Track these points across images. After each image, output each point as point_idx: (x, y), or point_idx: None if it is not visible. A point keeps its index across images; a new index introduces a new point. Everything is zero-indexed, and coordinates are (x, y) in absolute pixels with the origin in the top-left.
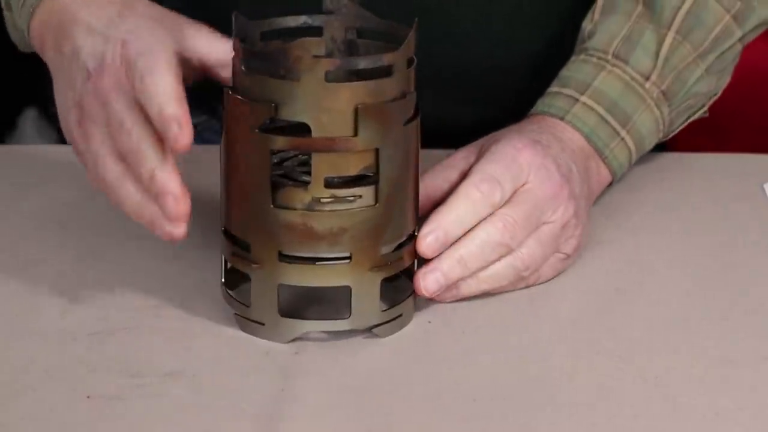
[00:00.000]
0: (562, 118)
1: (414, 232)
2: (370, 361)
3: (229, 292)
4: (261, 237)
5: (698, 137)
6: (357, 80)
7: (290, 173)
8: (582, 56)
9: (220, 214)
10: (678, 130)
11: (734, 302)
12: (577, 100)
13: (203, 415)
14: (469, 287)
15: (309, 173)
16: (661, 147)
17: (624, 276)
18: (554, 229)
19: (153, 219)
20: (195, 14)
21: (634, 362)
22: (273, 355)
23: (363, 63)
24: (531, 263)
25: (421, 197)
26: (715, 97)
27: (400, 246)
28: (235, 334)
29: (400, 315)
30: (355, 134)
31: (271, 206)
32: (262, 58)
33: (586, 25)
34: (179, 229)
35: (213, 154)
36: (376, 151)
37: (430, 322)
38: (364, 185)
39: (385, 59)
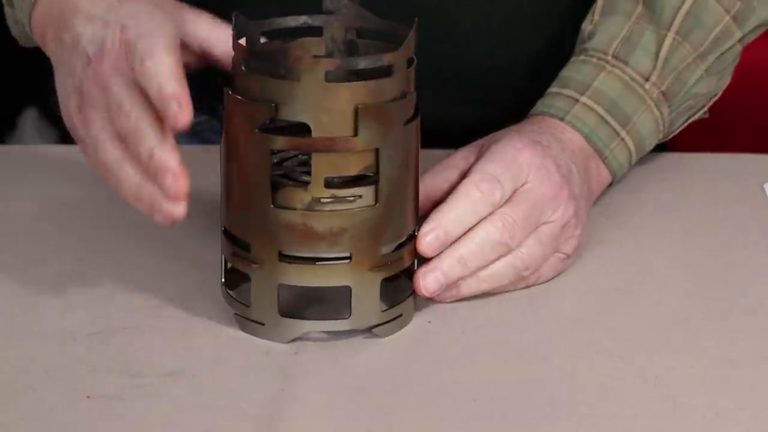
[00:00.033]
0: (562, 119)
1: (414, 232)
2: (370, 361)
3: (229, 292)
4: (261, 237)
5: (698, 137)
6: (357, 80)
7: (290, 173)
8: (582, 57)
9: (220, 214)
10: (678, 130)
11: (734, 302)
12: (577, 100)
13: (203, 415)
14: (469, 287)
15: (309, 173)
16: (661, 147)
17: (624, 276)
18: (554, 229)
19: (152, 200)
20: None
21: (634, 362)
22: (273, 355)
23: (363, 63)
24: (531, 263)
25: (421, 197)
26: (715, 98)
27: (400, 246)
28: (235, 334)
29: (400, 315)
30: (355, 134)
31: (271, 206)
32: (262, 58)
33: (586, 25)
34: (178, 208)
35: (213, 154)
36: (376, 151)
37: (430, 322)
38: (364, 185)
39: (385, 59)
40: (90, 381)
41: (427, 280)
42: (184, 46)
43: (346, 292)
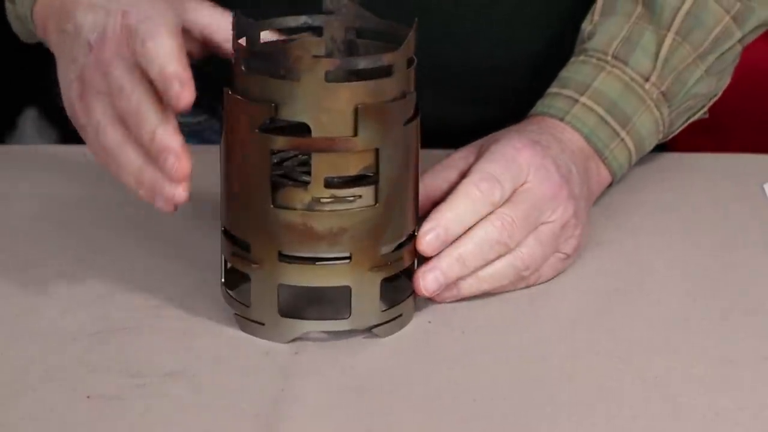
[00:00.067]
0: (561, 119)
1: (414, 232)
2: (370, 361)
3: (229, 292)
4: (261, 237)
5: (698, 137)
6: (357, 80)
7: (290, 173)
8: (581, 57)
9: (220, 214)
10: (678, 131)
11: (734, 302)
12: (576, 100)
13: (203, 415)
14: (469, 287)
15: (309, 173)
16: (661, 147)
17: (624, 276)
18: (554, 229)
19: (153, 183)
20: None
21: (634, 362)
22: (273, 355)
23: (363, 63)
24: (531, 263)
25: (420, 197)
26: (715, 98)
27: (400, 246)
28: (235, 334)
29: (400, 315)
30: (355, 134)
31: (271, 206)
32: (262, 58)
33: (586, 26)
34: (180, 191)
35: (213, 154)
36: (376, 151)
37: (430, 322)
38: (364, 185)
39: (385, 59)
40: (90, 381)
41: (427, 280)
42: (186, 33)
43: (346, 292)
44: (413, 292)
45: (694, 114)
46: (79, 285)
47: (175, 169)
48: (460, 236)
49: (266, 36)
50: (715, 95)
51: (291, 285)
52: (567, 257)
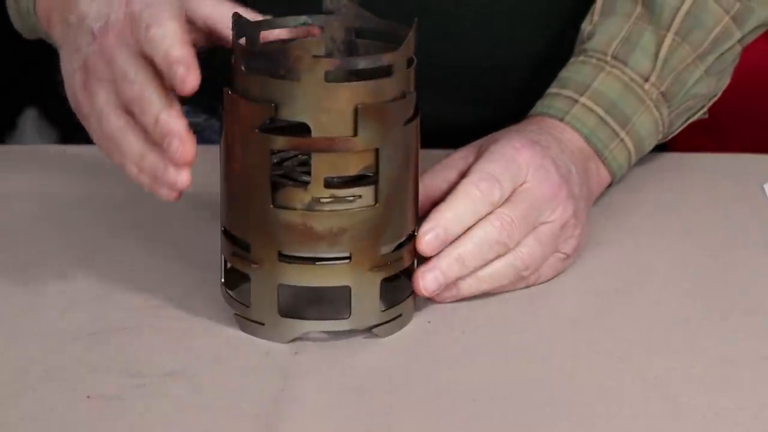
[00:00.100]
0: (561, 119)
1: (414, 232)
2: (370, 361)
3: (229, 292)
4: (261, 237)
5: (698, 137)
6: (357, 80)
7: (290, 173)
8: (581, 57)
9: (220, 214)
10: (677, 131)
11: (734, 302)
12: (576, 101)
13: (203, 415)
14: (469, 287)
15: (309, 173)
16: (661, 147)
17: (624, 276)
18: (553, 229)
19: (155, 168)
20: None
21: (634, 362)
22: (273, 355)
23: (363, 63)
24: (531, 263)
25: (420, 197)
26: (715, 98)
27: (399, 246)
28: (235, 334)
29: (400, 315)
30: (355, 134)
31: (271, 206)
32: (262, 58)
33: (586, 26)
34: (182, 176)
35: (213, 154)
36: (376, 151)
37: (430, 322)
38: (364, 185)
39: (385, 59)
40: (90, 381)
41: (426, 280)
42: (190, 23)
43: (345, 292)
44: (413, 292)
45: (693, 114)
46: (79, 285)
47: (180, 153)
48: (460, 236)
49: (279, 34)
50: (715, 95)
51: (291, 285)
52: (567, 257)
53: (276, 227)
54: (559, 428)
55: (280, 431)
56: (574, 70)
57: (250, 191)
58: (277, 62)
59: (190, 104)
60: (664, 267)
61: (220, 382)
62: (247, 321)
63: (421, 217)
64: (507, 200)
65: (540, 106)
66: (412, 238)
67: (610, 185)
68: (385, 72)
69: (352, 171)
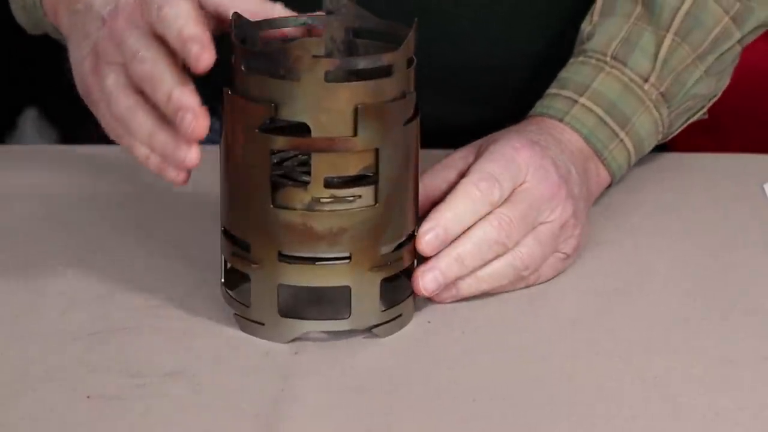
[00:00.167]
0: (561, 120)
1: (414, 232)
2: (370, 361)
3: (229, 292)
4: (261, 237)
5: (698, 137)
6: (357, 80)
7: (290, 173)
8: (581, 58)
9: (220, 214)
10: (677, 131)
11: (734, 302)
12: (576, 101)
13: (203, 415)
14: (468, 287)
15: (309, 173)
16: (661, 147)
17: (624, 276)
18: (553, 229)
19: (164, 147)
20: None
21: (634, 362)
22: (273, 355)
23: (363, 63)
24: (530, 263)
25: (419, 197)
26: (715, 99)
27: (399, 246)
28: (235, 334)
29: (400, 315)
30: (355, 134)
31: (271, 206)
32: (262, 58)
33: (585, 26)
34: (192, 154)
35: (213, 154)
36: (376, 151)
37: (430, 322)
38: (364, 185)
39: (385, 59)
40: (90, 381)
41: (426, 280)
42: (201, 9)
43: (345, 292)
44: (413, 292)
45: (693, 114)
46: (79, 285)
47: (193, 127)
48: (459, 236)
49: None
50: (715, 96)
51: (291, 285)
52: (566, 257)
53: (276, 227)
54: (559, 428)
55: (280, 431)
56: (573, 71)
57: (250, 191)
58: (277, 62)
59: None
60: (664, 267)
61: (220, 382)
62: (247, 321)
63: (421, 217)
64: (506, 200)
65: (539, 106)
66: (412, 238)
67: (609, 185)
68: (385, 72)
69: (352, 171)
